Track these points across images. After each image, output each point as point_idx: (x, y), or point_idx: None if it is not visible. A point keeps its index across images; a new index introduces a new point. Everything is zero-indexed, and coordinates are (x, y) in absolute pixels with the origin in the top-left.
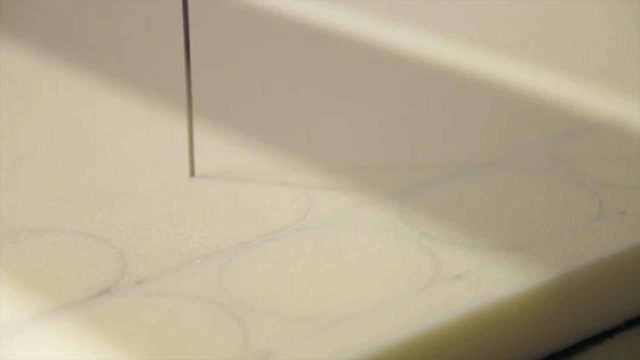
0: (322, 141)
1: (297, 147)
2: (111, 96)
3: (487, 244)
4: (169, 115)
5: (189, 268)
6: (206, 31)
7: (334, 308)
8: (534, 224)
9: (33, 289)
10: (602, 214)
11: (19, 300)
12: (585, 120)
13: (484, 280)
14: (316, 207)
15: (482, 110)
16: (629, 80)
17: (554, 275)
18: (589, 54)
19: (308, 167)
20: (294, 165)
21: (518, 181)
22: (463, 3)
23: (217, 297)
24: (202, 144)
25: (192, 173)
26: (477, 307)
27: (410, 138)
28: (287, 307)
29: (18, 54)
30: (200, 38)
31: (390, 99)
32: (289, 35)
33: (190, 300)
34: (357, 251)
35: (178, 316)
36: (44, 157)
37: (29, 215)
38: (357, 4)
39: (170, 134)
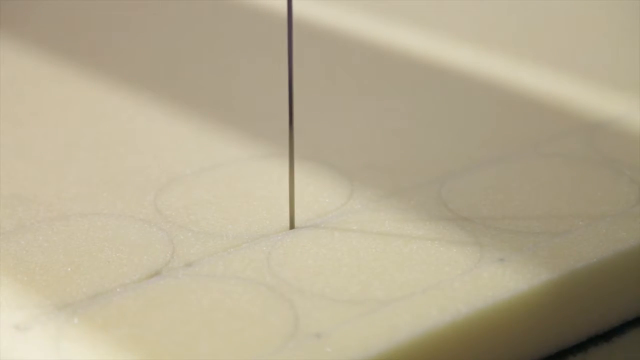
0: (357, 129)
1: (332, 135)
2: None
3: (528, 228)
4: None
5: (237, 251)
6: (205, 31)
7: (381, 290)
8: (575, 208)
9: (86, 271)
10: None
11: (71, 282)
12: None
13: (527, 263)
14: (359, 191)
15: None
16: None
17: (595, 259)
18: (590, 54)
19: (350, 150)
20: (334, 151)
21: (550, 169)
22: (463, 3)
23: (266, 279)
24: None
25: (292, 225)
26: (521, 290)
27: (446, 127)
28: (336, 289)
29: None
30: (197, 37)
31: (421, 94)
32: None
33: (239, 283)
34: (401, 235)
35: (229, 298)
36: (88, 145)
37: (79, 201)
38: (357, 4)
39: (208, 121)
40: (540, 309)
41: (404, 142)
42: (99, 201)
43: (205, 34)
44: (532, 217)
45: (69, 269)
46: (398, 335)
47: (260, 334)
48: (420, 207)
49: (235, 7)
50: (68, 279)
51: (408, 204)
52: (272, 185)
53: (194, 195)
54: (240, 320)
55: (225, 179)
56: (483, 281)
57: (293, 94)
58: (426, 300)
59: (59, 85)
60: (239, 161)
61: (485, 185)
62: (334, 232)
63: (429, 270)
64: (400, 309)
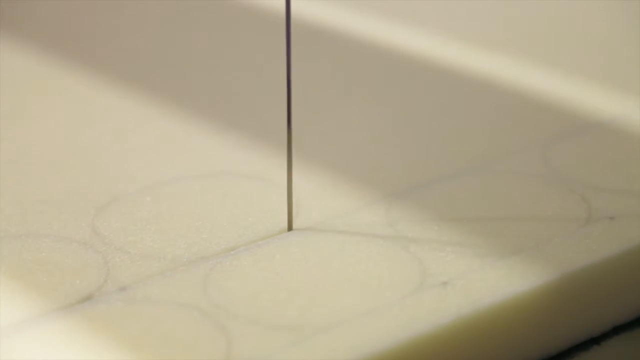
0: (310, 143)
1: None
2: (106, 95)
3: (475, 249)
4: (165, 113)
5: (173, 274)
6: (202, 30)
7: (319, 316)
8: (524, 229)
9: (13, 296)
10: (591, 218)
11: None
12: (585, 120)
13: (471, 286)
14: (304, 212)
15: (477, 112)
16: (629, 80)
17: (542, 281)
18: (589, 54)
19: (296, 170)
20: (281, 168)
21: (509, 185)
22: (463, 3)
23: (201, 304)
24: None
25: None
26: (463, 315)
27: (401, 140)
28: (272, 314)
29: (14, 54)
30: (195, 37)
31: (383, 100)
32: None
33: (173, 308)
34: (344, 257)
35: (161, 324)
36: (31, 160)
37: (14, 220)
38: (356, 4)
39: (167, 131)
40: (484, 334)
41: (358, 158)
42: (35, 221)
43: (204, 33)
44: (479, 238)
45: None
46: None
47: None
48: (366, 228)
49: (235, 7)
50: None
51: (354, 224)
52: (215, 204)
53: (134, 215)
54: (170, 348)
55: (168, 198)
56: (424, 305)
57: (291, 95)
58: (365, 326)
59: (19, 95)
60: (184, 179)
61: (434, 204)
62: (275, 254)
63: (370, 294)
64: (337, 335)
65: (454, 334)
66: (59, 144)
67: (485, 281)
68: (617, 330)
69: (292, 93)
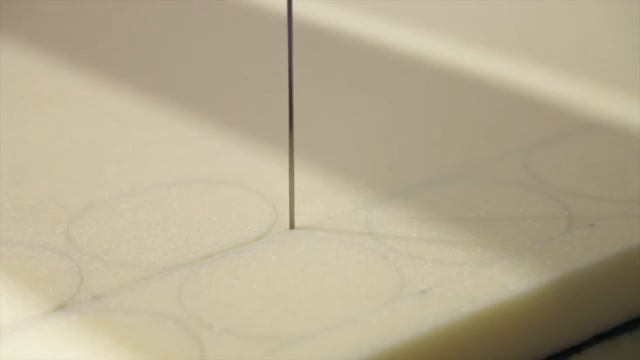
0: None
1: (269, 155)
2: (98, 96)
3: (454, 257)
4: (144, 119)
5: (148, 283)
6: (201, 30)
7: (295, 325)
8: (504, 236)
9: None
10: (572, 226)
11: None
12: (566, 127)
13: (449, 295)
14: (282, 218)
15: (459, 118)
16: (610, 86)
17: (521, 289)
18: (589, 54)
19: (275, 176)
20: (261, 174)
21: (490, 192)
22: (463, 3)
23: (176, 313)
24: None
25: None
26: (441, 324)
27: (382, 147)
28: (247, 324)
29: (7, 55)
30: (193, 36)
31: (369, 102)
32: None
33: (147, 317)
34: (322, 265)
35: (134, 334)
36: (6, 165)
37: None
38: (356, 4)
39: (144, 137)
40: (461, 344)
41: (338, 164)
42: (9, 228)
43: (204, 33)
44: (459, 245)
45: None
46: None
47: None
48: (344, 235)
49: (235, 7)
50: None
51: (333, 231)
52: (192, 211)
53: (110, 222)
54: (143, 358)
55: (144, 205)
56: (401, 315)
57: (293, 96)
58: (340, 335)
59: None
60: (160, 186)
61: (414, 211)
62: (252, 262)
63: (347, 302)
64: (312, 345)
65: (431, 343)
66: (36, 149)
67: (464, 290)
68: (598, 338)
69: (282, 93)
